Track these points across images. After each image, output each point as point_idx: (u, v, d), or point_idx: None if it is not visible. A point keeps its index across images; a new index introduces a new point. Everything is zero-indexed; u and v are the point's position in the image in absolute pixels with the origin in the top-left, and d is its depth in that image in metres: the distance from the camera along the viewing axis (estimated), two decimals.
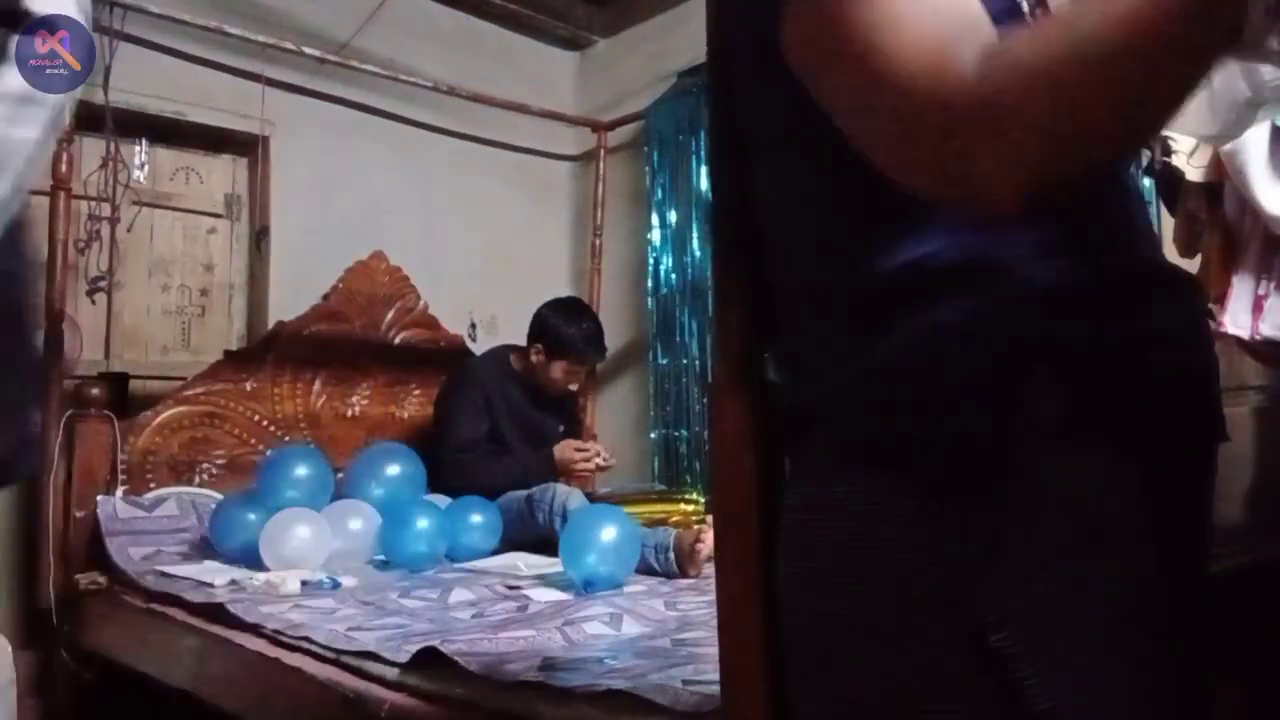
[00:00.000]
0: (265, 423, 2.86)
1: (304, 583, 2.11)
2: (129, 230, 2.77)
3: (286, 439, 2.86)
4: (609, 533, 2.11)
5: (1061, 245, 0.60)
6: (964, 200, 0.54)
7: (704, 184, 3.24)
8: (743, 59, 0.70)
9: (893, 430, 0.61)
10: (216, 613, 1.90)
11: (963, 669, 0.58)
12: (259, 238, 3.09)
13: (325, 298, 3.02)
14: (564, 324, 2.84)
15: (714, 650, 0.77)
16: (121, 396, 2.67)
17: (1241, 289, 1.36)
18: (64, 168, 2.37)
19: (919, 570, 0.60)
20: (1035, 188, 0.51)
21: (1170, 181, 1.71)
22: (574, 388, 3.04)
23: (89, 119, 2.49)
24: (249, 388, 2.84)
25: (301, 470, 2.47)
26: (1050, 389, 0.58)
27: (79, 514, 2.38)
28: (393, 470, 2.63)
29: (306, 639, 1.66)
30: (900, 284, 0.61)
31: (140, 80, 2.72)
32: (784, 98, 0.63)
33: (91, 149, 2.58)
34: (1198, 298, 0.69)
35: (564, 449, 2.82)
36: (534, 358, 2.86)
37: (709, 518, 2.48)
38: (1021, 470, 0.57)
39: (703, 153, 3.24)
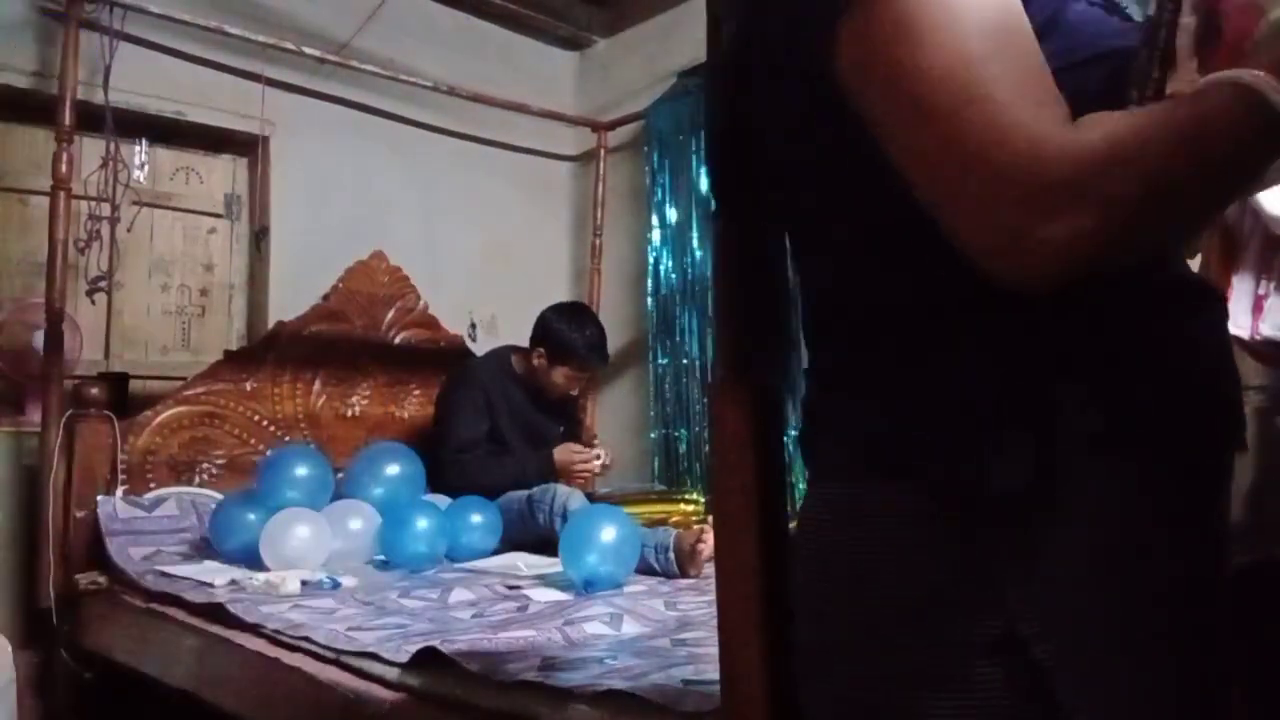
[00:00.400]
0: (265, 423, 2.86)
1: (304, 583, 2.11)
2: (129, 230, 2.77)
3: (286, 439, 2.86)
4: (609, 533, 2.11)
5: None
6: (1010, 263, 0.53)
7: (704, 184, 3.24)
8: (769, 57, 0.68)
9: (906, 436, 0.61)
10: (216, 613, 1.90)
11: (974, 672, 0.58)
12: (259, 238, 3.09)
13: (325, 298, 3.02)
14: (568, 329, 2.84)
15: (714, 650, 0.77)
16: (121, 396, 2.67)
17: (1241, 289, 1.36)
18: (64, 168, 2.37)
19: (925, 573, 0.60)
20: (1087, 262, 0.52)
21: None
22: (574, 392, 3.04)
23: (89, 119, 2.49)
24: (249, 388, 2.84)
25: (301, 470, 2.46)
26: (1076, 399, 0.58)
27: (79, 514, 2.37)
28: (393, 470, 2.63)
29: (306, 639, 1.66)
30: (921, 298, 0.61)
31: (140, 80, 2.72)
32: (816, 109, 0.62)
33: (91, 149, 2.58)
34: (1221, 308, 0.69)
35: (564, 451, 2.81)
36: (536, 361, 2.86)
37: (710, 518, 2.48)
38: (1046, 479, 0.57)
39: (702, 152, 3.23)
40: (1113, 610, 0.58)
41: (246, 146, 3.07)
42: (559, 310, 2.93)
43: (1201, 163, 0.51)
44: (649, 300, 3.43)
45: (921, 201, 0.56)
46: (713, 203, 0.82)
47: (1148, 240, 0.54)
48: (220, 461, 2.75)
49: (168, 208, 2.99)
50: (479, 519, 2.57)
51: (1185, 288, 0.66)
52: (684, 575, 2.22)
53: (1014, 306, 0.57)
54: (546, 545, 2.43)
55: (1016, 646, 0.57)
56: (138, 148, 2.77)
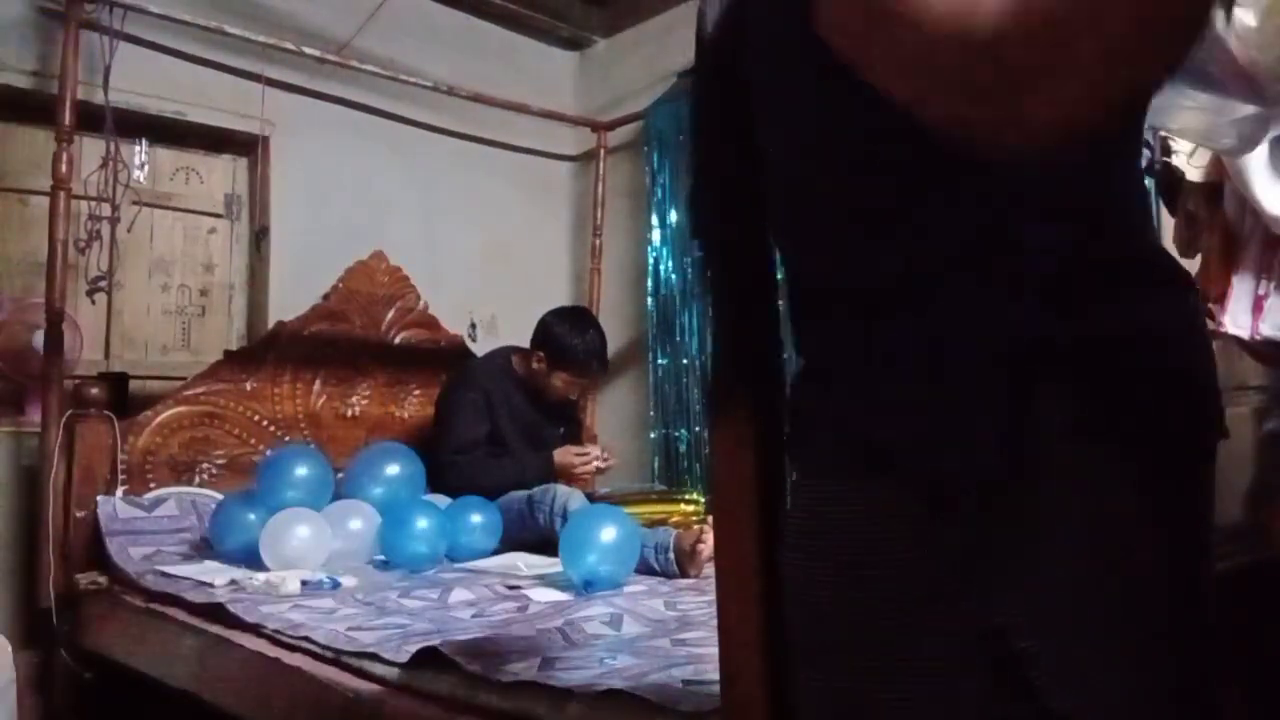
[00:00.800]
0: (265, 423, 2.86)
1: (304, 583, 2.11)
2: (129, 230, 2.77)
3: (286, 439, 2.86)
4: (609, 533, 2.11)
5: (1063, 238, 0.60)
6: (1011, 127, 0.49)
7: None
8: (764, 59, 0.68)
9: (895, 431, 0.61)
10: (216, 613, 1.90)
11: (967, 667, 0.58)
12: (259, 238, 3.09)
13: (325, 298, 3.02)
14: (568, 335, 2.83)
15: (714, 650, 0.77)
16: (121, 396, 2.66)
17: (1241, 289, 1.36)
18: (64, 168, 2.37)
19: (919, 569, 0.60)
20: (1087, 110, 0.48)
21: (1170, 181, 1.71)
22: (574, 397, 3.04)
23: (89, 119, 2.49)
24: (249, 388, 2.84)
25: (301, 470, 2.46)
26: (1054, 390, 0.58)
27: (79, 514, 2.37)
28: (392, 470, 2.63)
29: (306, 639, 1.66)
30: (900, 283, 0.61)
31: (140, 80, 2.72)
32: (810, 92, 0.63)
33: (91, 149, 2.57)
34: (1193, 293, 0.69)
35: (564, 453, 2.81)
36: (535, 365, 2.85)
37: (710, 518, 2.48)
38: (1028, 471, 0.58)
39: None
40: (1110, 609, 0.58)
41: (246, 146, 3.07)
42: (560, 315, 2.92)
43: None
44: (649, 300, 3.43)
45: (915, 112, 0.52)
46: (703, 206, 0.81)
47: (1144, 75, 0.50)
48: (220, 461, 2.75)
49: (168, 208, 2.99)
50: (479, 519, 2.57)
51: (1161, 274, 0.65)
52: (684, 575, 2.22)
53: (1006, 301, 0.57)
54: (546, 545, 2.43)
55: (1012, 644, 0.57)
56: (138, 148, 2.77)
